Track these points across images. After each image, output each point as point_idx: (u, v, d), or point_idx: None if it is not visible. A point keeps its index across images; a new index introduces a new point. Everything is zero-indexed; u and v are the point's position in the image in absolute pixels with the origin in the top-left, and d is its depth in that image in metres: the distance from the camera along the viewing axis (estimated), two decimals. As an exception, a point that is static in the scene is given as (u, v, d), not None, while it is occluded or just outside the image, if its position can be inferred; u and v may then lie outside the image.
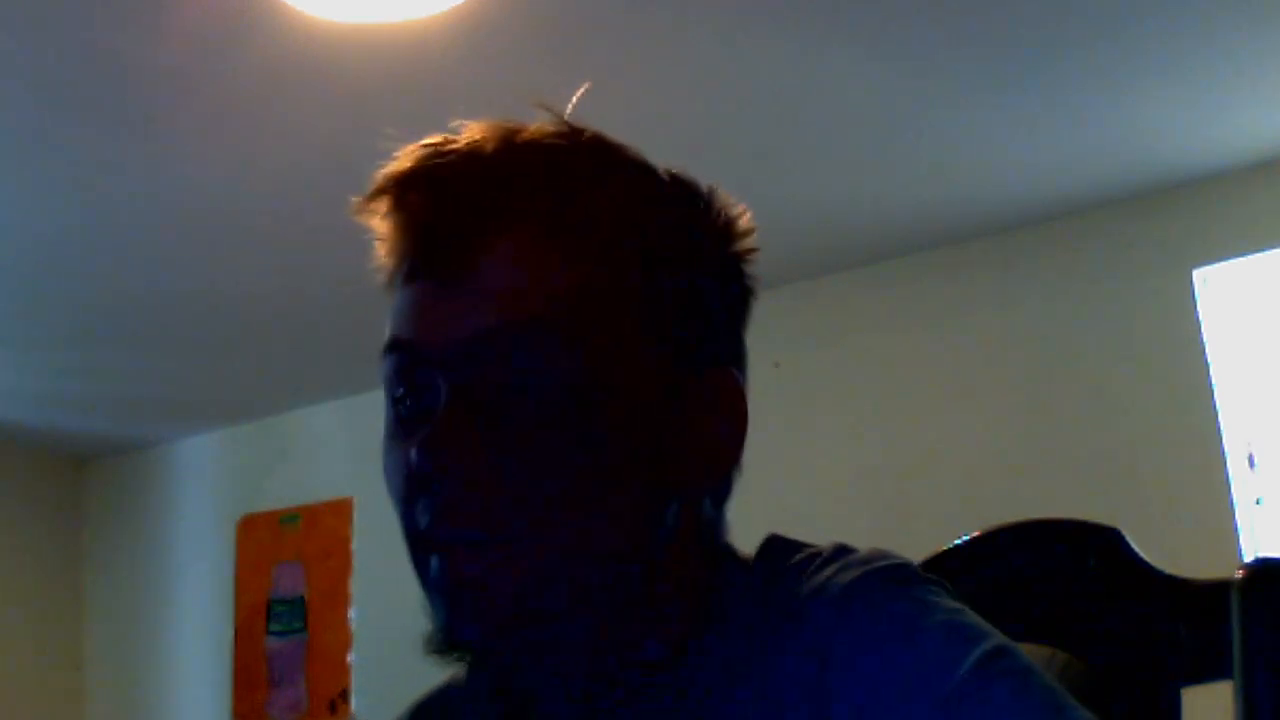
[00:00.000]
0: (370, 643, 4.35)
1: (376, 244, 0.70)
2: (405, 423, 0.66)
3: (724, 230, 0.72)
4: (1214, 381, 2.98)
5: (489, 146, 0.67)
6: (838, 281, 3.50)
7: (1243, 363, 3.00)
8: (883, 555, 0.67)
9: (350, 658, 4.38)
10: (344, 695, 4.36)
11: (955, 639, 0.61)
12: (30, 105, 2.47)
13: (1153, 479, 3.00)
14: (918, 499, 3.26)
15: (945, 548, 0.87)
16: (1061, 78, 2.54)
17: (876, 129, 2.71)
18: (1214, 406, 2.96)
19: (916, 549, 0.90)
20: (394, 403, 0.67)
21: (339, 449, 4.58)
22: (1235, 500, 2.91)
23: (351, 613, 4.41)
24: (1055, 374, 3.21)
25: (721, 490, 0.72)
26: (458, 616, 0.65)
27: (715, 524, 0.72)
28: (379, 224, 0.69)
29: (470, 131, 0.68)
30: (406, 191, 0.67)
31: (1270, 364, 2.97)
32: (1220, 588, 0.74)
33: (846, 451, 3.45)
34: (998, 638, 0.61)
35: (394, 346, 0.66)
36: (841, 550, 0.68)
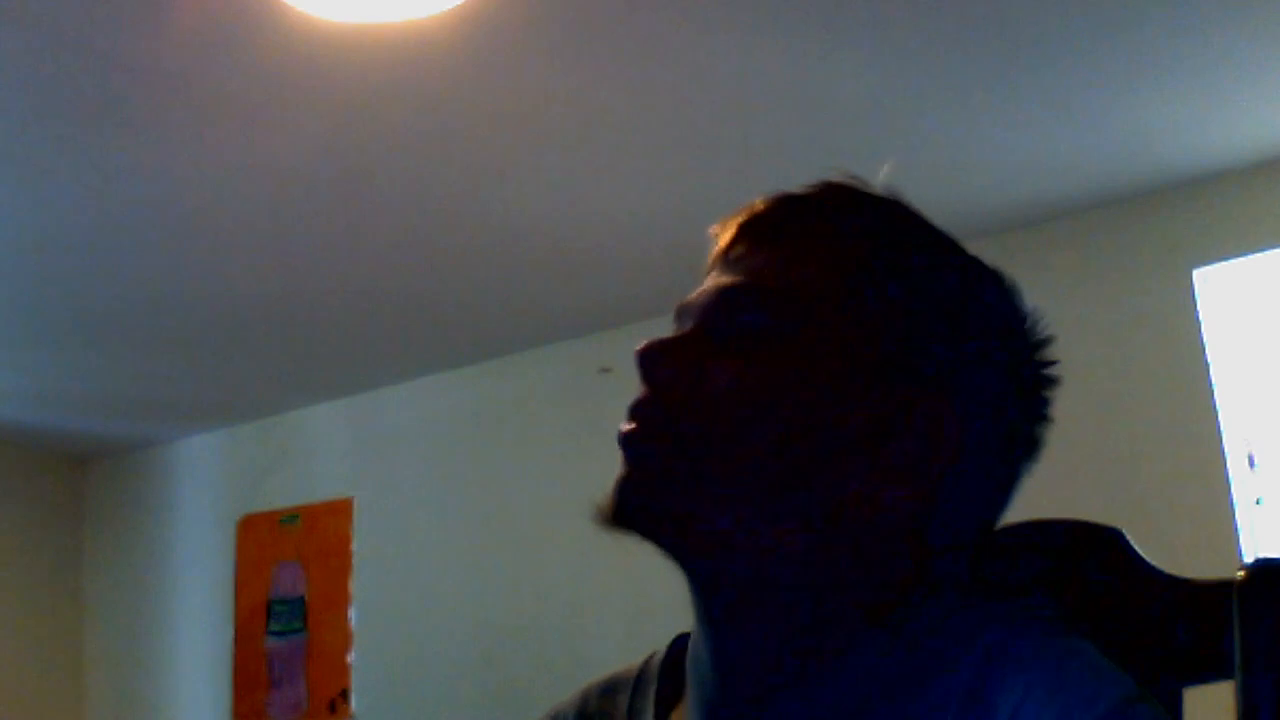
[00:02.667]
0: (370, 643, 4.35)
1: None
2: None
3: (1001, 321, 0.79)
4: (1214, 381, 2.98)
5: (808, 191, 0.80)
6: (838, 281, 3.49)
7: (1243, 363, 2.99)
8: (1043, 605, 0.75)
9: (350, 658, 4.38)
10: (344, 695, 4.36)
11: (1095, 683, 0.65)
12: (30, 105, 2.47)
13: (1153, 479, 3.00)
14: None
15: (945, 548, 0.87)
16: (1061, 78, 2.54)
17: (876, 129, 2.71)
18: (1214, 406, 2.96)
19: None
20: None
21: (339, 449, 4.59)
22: (1235, 500, 2.91)
23: (351, 613, 4.41)
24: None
25: (959, 525, 0.75)
26: (620, 489, 0.73)
27: (935, 549, 0.75)
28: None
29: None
30: (739, 213, 0.80)
31: (1270, 364, 2.97)
32: (1220, 588, 0.74)
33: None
34: (1133, 686, 0.65)
35: (677, 306, 0.79)
36: (1013, 605, 0.75)
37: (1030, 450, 0.79)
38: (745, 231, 0.78)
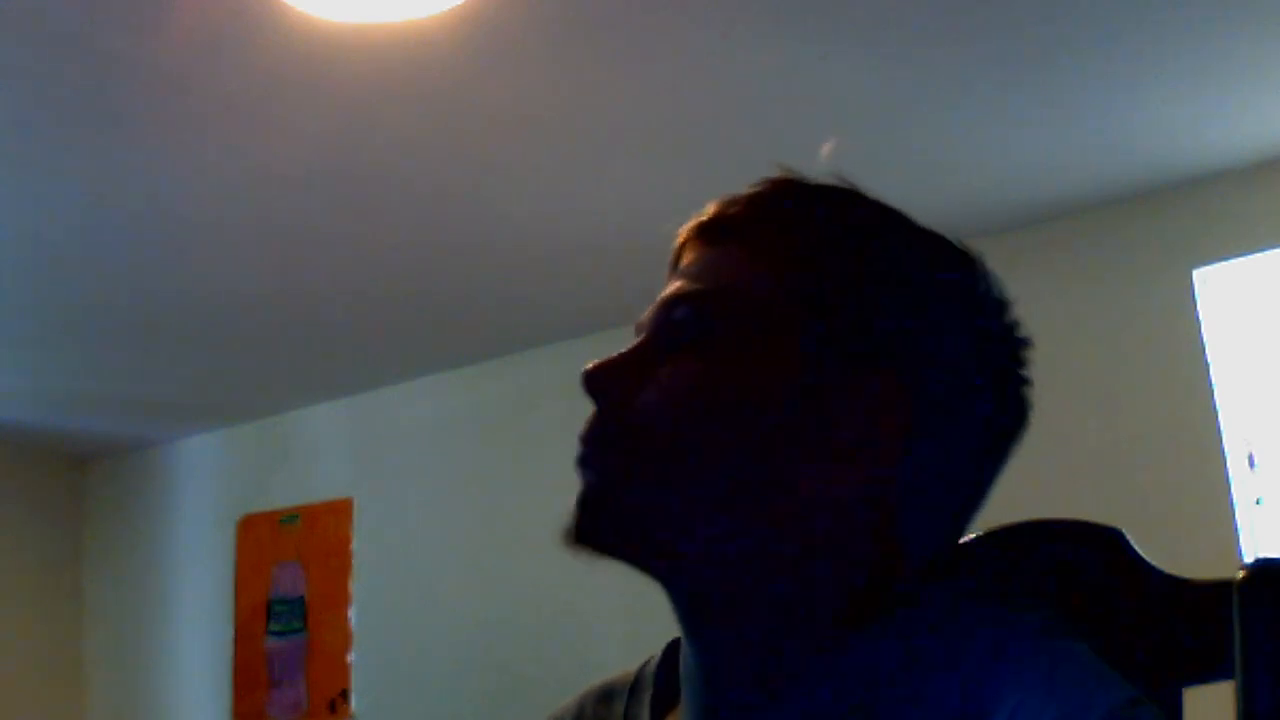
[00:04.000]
0: (370, 643, 4.35)
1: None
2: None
3: (963, 297, 0.76)
4: (1214, 381, 2.98)
5: (759, 189, 0.80)
6: (838, 281, 3.50)
7: (1243, 363, 2.99)
8: (1033, 607, 0.73)
9: (350, 658, 4.38)
10: (344, 695, 4.36)
11: (1093, 687, 0.64)
12: (30, 105, 2.47)
13: (1153, 479, 3.00)
14: (918, 499, 3.26)
15: (945, 548, 0.87)
16: (1061, 78, 2.54)
17: (876, 129, 2.71)
18: (1214, 406, 2.96)
19: (916, 549, 0.90)
20: None
21: (339, 449, 4.59)
22: (1235, 500, 2.91)
23: (351, 613, 4.41)
24: (1055, 374, 3.20)
25: (916, 502, 0.73)
26: (579, 515, 0.73)
27: (904, 536, 0.74)
28: None
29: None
30: (696, 217, 0.80)
31: (1270, 364, 2.97)
32: (1220, 588, 0.74)
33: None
34: (1131, 690, 0.65)
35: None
36: (1002, 604, 0.74)
37: (1002, 431, 0.76)
38: (692, 238, 0.79)
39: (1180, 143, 2.87)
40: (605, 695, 0.84)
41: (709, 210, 0.79)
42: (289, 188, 2.91)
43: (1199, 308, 3.02)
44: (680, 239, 0.80)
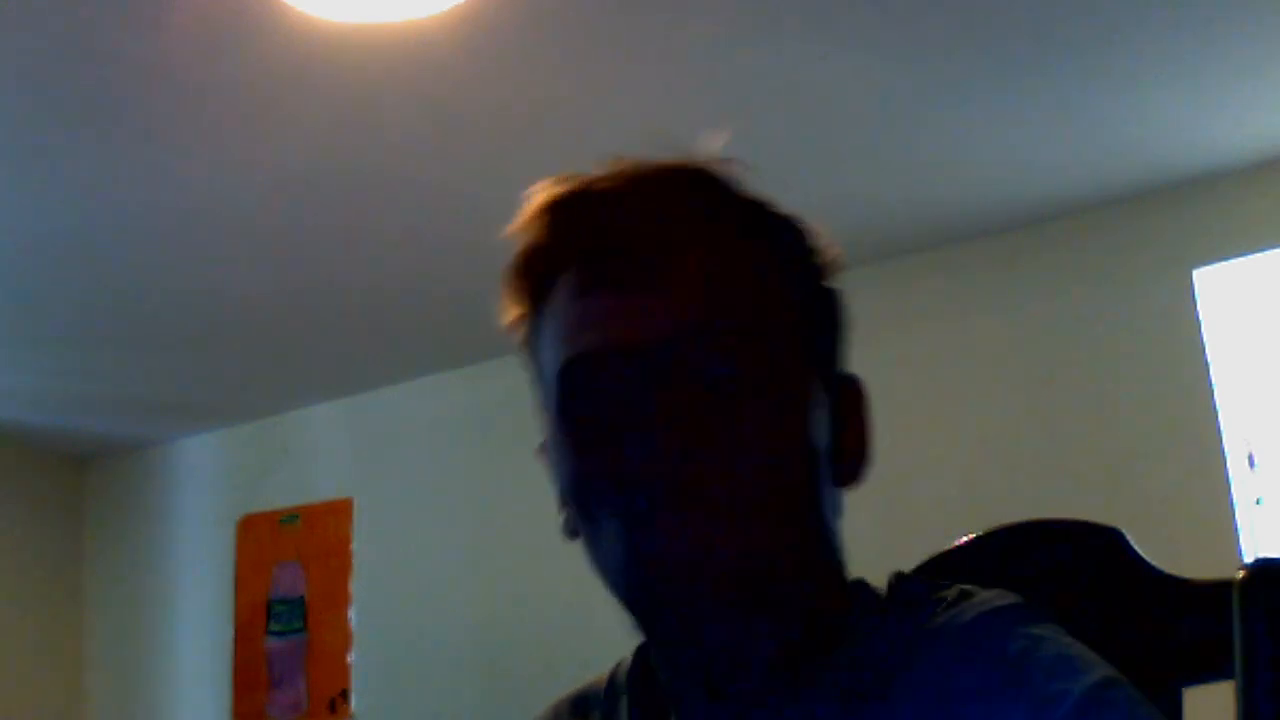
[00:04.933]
0: (370, 643, 4.35)
1: (524, 265, 0.75)
2: (614, 423, 0.69)
3: (822, 256, 0.78)
4: (1214, 381, 2.98)
5: (648, 174, 0.74)
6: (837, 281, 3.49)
7: (1243, 363, 2.99)
8: (1000, 595, 0.71)
9: (350, 658, 4.38)
10: (344, 695, 4.36)
11: (1063, 672, 0.63)
12: (29, 105, 2.47)
13: (1153, 479, 3.00)
14: (918, 499, 3.26)
15: (945, 548, 0.87)
16: (1061, 78, 2.54)
17: (876, 129, 2.71)
18: (1214, 406, 2.96)
19: (916, 549, 0.90)
20: (593, 407, 0.70)
21: (339, 449, 4.59)
22: (1235, 500, 2.91)
23: (351, 613, 4.41)
24: (1055, 374, 3.21)
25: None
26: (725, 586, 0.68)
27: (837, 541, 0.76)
28: (532, 244, 0.74)
29: (609, 166, 0.75)
30: (579, 212, 0.73)
31: (1270, 364, 2.97)
32: (1220, 588, 0.74)
33: (846, 451, 3.44)
34: (1105, 669, 0.64)
35: (589, 355, 0.70)
36: (964, 594, 0.72)
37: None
38: (633, 236, 0.72)
39: (1180, 143, 2.87)
40: (579, 703, 0.83)
41: (616, 211, 0.72)
42: (289, 187, 2.91)
43: (1199, 308, 3.02)
44: (594, 238, 0.72)
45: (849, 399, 0.77)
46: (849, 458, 0.76)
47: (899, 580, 0.76)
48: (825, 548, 0.74)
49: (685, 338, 0.68)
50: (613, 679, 0.83)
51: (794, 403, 0.71)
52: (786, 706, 0.70)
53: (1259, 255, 2.98)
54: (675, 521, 0.67)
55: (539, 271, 0.74)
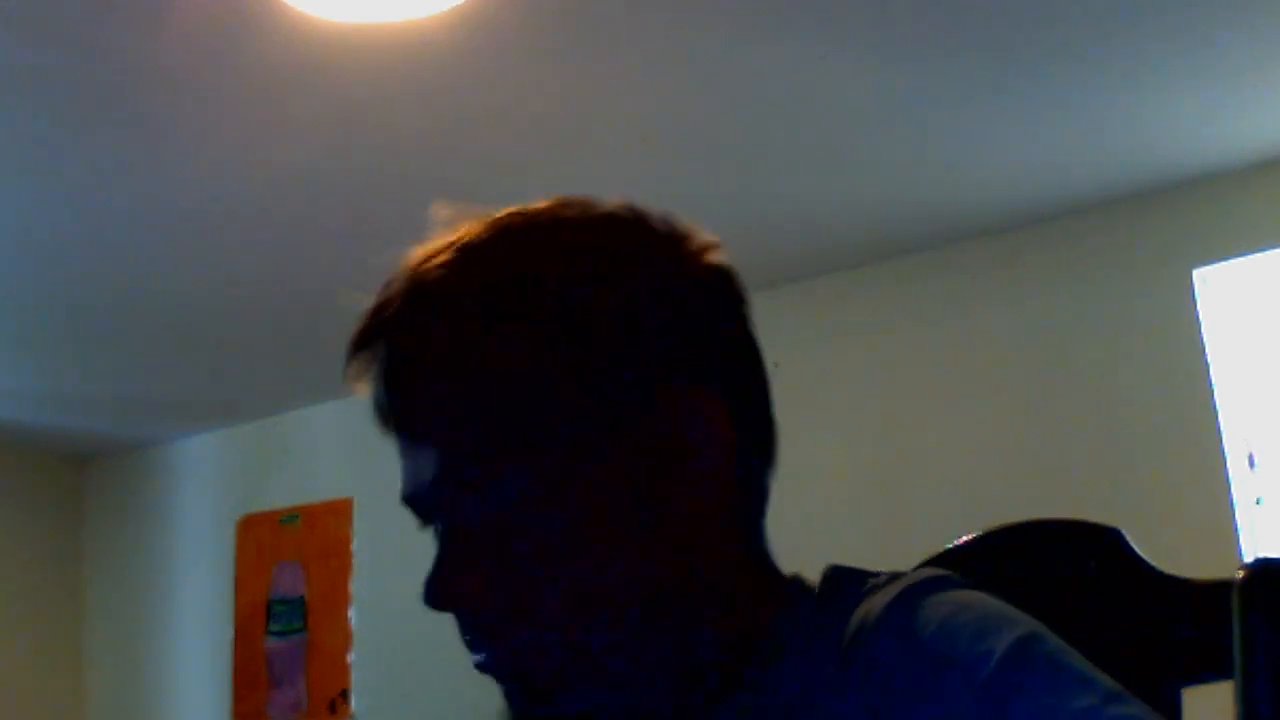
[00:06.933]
0: (370, 643, 4.35)
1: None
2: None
3: (671, 261, 0.74)
4: (1214, 381, 2.98)
5: (397, 296, 0.76)
6: (838, 281, 3.50)
7: (1243, 363, 2.99)
8: (928, 571, 0.70)
9: (350, 658, 4.38)
10: (344, 695, 4.36)
11: (987, 631, 0.63)
12: (30, 105, 2.47)
13: (1153, 479, 3.00)
14: (918, 499, 3.26)
15: (945, 548, 0.87)
16: (1061, 78, 2.54)
17: (877, 129, 2.71)
18: (1214, 406, 2.96)
19: (916, 549, 0.90)
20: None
21: (339, 449, 4.58)
22: (1235, 500, 2.91)
23: (351, 613, 4.41)
24: (1055, 374, 3.21)
25: (742, 517, 0.73)
26: (523, 705, 0.74)
27: (755, 554, 0.74)
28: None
29: (404, 264, 0.79)
30: (356, 357, 0.77)
31: (1270, 364, 2.97)
32: (1220, 588, 0.74)
33: (846, 452, 3.45)
34: (1028, 623, 0.64)
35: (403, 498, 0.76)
36: (894, 576, 0.70)
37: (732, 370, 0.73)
38: (381, 383, 0.76)
39: (1180, 143, 2.87)
40: None
41: (379, 355, 0.76)
42: (289, 187, 2.91)
43: (1199, 308, 3.02)
44: (373, 387, 0.76)
45: (675, 427, 0.70)
46: (678, 501, 0.70)
47: (833, 573, 0.73)
48: (689, 597, 0.70)
49: (440, 490, 0.72)
50: None
51: (572, 492, 0.69)
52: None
53: (1259, 255, 2.98)
54: (483, 654, 0.74)
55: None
